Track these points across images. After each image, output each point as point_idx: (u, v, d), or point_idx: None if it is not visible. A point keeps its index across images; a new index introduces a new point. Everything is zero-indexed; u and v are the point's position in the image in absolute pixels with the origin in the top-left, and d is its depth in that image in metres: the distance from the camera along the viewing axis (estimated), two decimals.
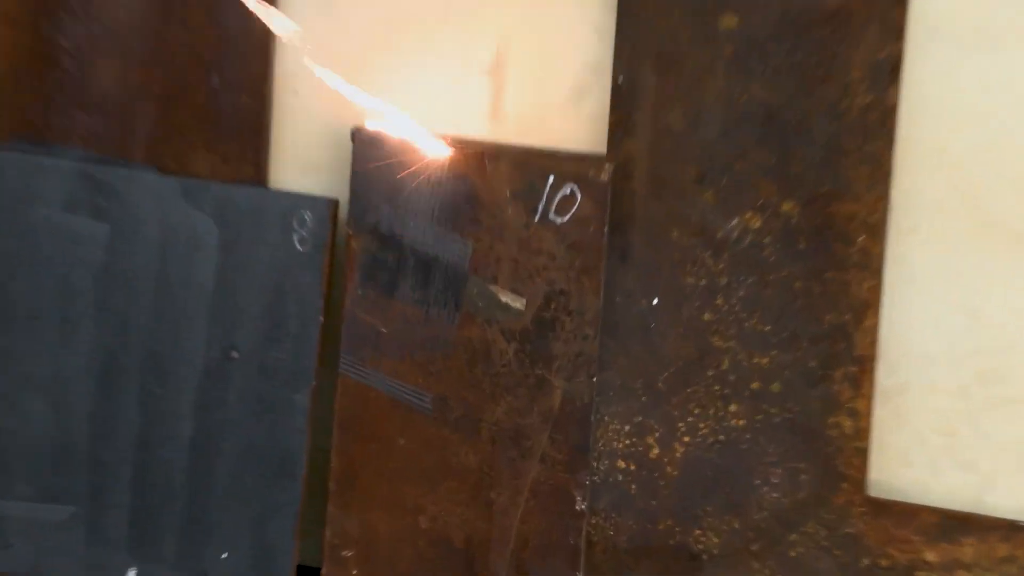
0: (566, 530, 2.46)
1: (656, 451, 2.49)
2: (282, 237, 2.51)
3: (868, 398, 2.37)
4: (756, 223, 2.38)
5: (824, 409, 2.39)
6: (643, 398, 2.47)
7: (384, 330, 2.48)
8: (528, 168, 2.41)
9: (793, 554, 2.43)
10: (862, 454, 2.38)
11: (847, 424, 2.38)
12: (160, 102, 2.52)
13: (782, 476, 2.42)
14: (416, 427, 2.51)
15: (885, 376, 2.40)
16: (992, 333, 2.37)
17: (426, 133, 2.45)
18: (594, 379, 2.43)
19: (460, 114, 2.51)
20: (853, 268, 2.35)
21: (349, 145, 2.51)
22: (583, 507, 2.45)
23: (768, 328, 2.39)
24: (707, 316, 2.42)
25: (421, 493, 2.50)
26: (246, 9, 2.46)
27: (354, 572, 2.55)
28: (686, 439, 2.47)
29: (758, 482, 2.42)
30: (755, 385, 2.42)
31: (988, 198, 2.34)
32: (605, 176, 2.39)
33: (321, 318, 2.52)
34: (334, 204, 2.52)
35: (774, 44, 2.31)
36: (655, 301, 2.44)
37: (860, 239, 2.33)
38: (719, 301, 2.41)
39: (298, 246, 2.50)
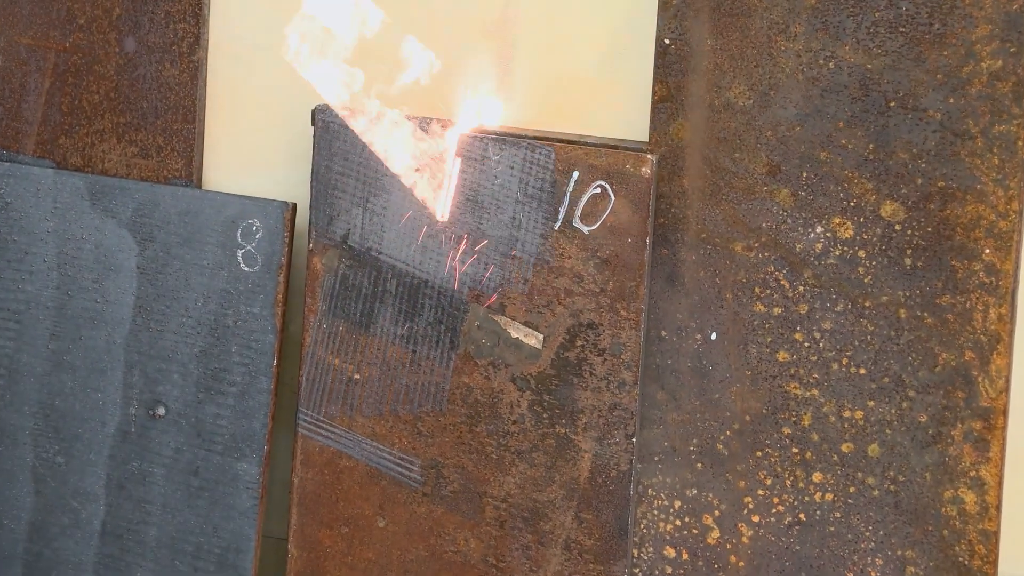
0: None
1: (716, 535, 2.43)
2: (222, 254, 2.45)
3: (997, 464, 2.31)
4: (847, 231, 2.32)
5: (938, 479, 2.33)
6: (698, 465, 2.41)
7: (358, 376, 2.43)
8: (545, 160, 2.35)
9: None
10: (990, 539, 2.32)
11: (969, 499, 2.33)
12: (56, 76, 2.48)
13: (884, 568, 2.36)
14: (400, 505, 2.45)
15: (1021, 434, 2.36)
16: None
17: (411, 115, 2.40)
18: (633, 440, 2.37)
19: (454, 88, 2.47)
20: (977, 291, 2.29)
21: (309, 131, 2.46)
22: None
23: (863, 371, 2.34)
24: (782, 356, 2.36)
25: None
26: None
27: None
28: (755, 519, 2.41)
29: None
30: (846, 447, 2.36)
31: None
32: (647, 170, 2.32)
33: (275, 362, 2.45)
34: (290, 210, 2.46)
35: None
36: (713, 336, 2.38)
37: (986, 252, 2.28)
38: (798, 336, 2.35)
39: (243, 266, 2.45)
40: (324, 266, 2.42)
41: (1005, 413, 2.30)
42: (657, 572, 2.46)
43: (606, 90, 2.44)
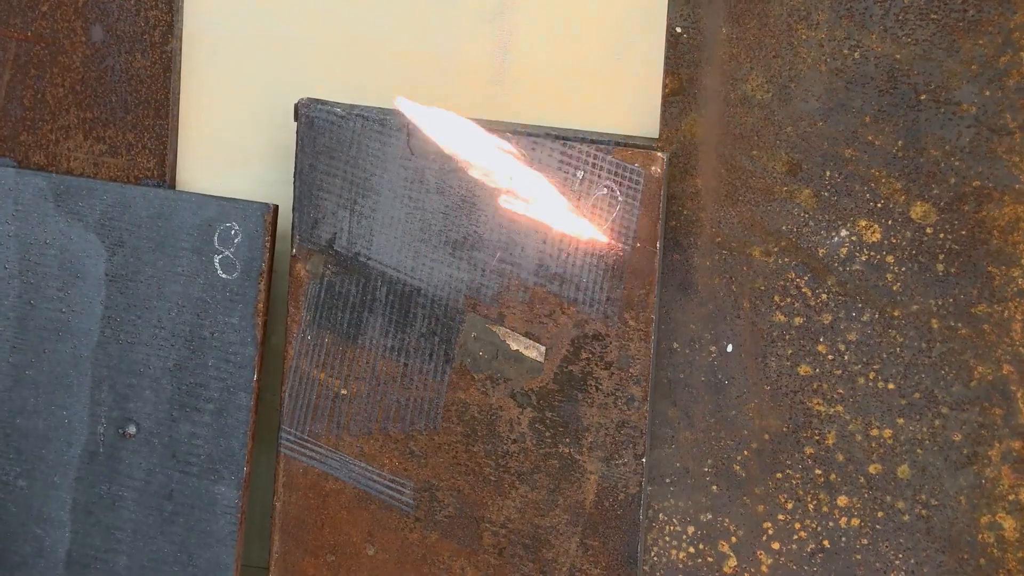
0: None
1: (732, 563, 2.40)
2: (198, 260, 2.43)
3: None
4: (874, 235, 2.29)
5: (974, 503, 2.31)
6: (713, 487, 2.38)
7: (345, 392, 2.40)
8: (547, 157, 2.31)
9: None
10: None
11: (1008, 525, 2.30)
12: (17, 67, 2.48)
13: None
14: (391, 531, 2.42)
15: None
16: None
17: (405, 107, 2.37)
18: (643, 460, 2.34)
19: (453, 78, 2.46)
20: (1015, 299, 2.27)
21: (292, 127, 2.45)
22: None
23: (892, 386, 2.31)
24: (804, 369, 2.34)
25: None
26: None
27: None
28: (775, 546, 2.38)
29: None
30: (874, 468, 2.33)
31: None
32: (657, 169, 2.29)
33: (255, 376, 2.43)
34: (272, 212, 2.43)
35: None
36: (729, 348, 2.36)
37: None
38: (821, 348, 2.33)
39: (221, 272, 2.43)
40: (308, 273, 2.39)
41: None
42: None
43: (612, 82, 2.42)
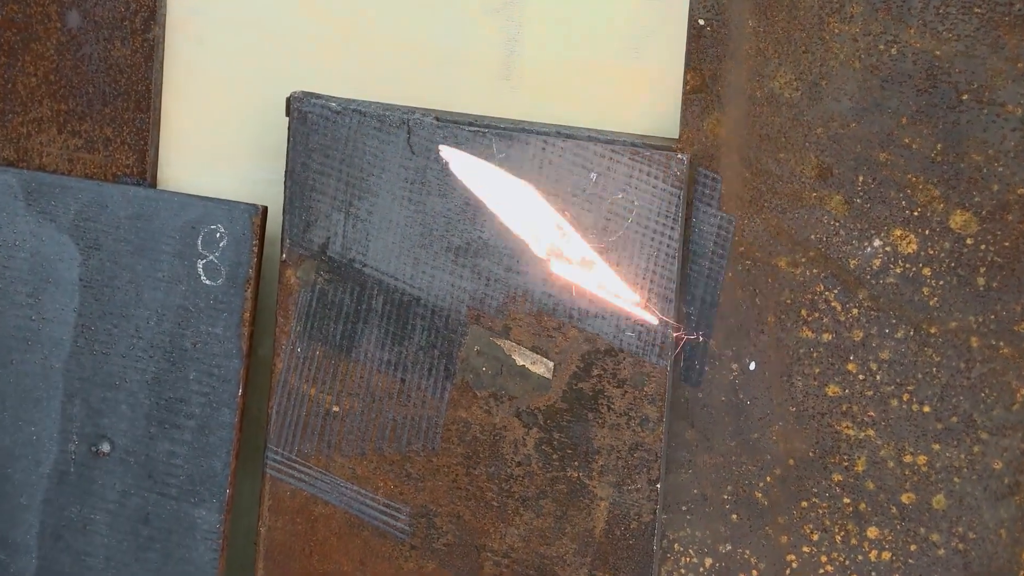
0: None
1: None
2: (180, 265, 2.42)
3: None
4: (910, 246, 2.28)
5: (1016, 537, 2.30)
6: (733, 516, 2.37)
7: (337, 409, 2.39)
8: (559, 158, 2.31)
9: None
10: None
11: None
12: None
13: None
14: (385, 560, 2.41)
15: None
16: None
17: (404, 104, 2.37)
18: (658, 486, 2.33)
19: (457, 73, 2.46)
20: None
21: (283, 122, 2.43)
22: None
23: (927, 409, 2.30)
24: (832, 390, 2.32)
25: None
26: None
27: None
28: None
29: None
30: (907, 498, 2.32)
31: None
32: (678, 172, 2.28)
33: (240, 391, 2.42)
34: (260, 214, 2.42)
35: None
36: (752, 366, 2.35)
37: None
38: (851, 367, 2.31)
39: (205, 279, 2.42)
40: (299, 280, 2.38)
41: None
42: None
43: (629, 78, 2.42)
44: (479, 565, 2.37)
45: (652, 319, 2.28)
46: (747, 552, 2.37)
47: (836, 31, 2.26)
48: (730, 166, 2.32)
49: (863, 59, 2.26)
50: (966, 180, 2.24)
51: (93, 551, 2.46)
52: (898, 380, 2.29)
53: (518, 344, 2.33)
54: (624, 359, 2.30)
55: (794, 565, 2.35)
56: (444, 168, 2.31)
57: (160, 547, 2.45)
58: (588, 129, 2.36)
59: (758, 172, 2.31)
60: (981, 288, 2.25)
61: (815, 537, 2.34)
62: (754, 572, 2.37)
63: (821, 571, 2.34)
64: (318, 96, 2.36)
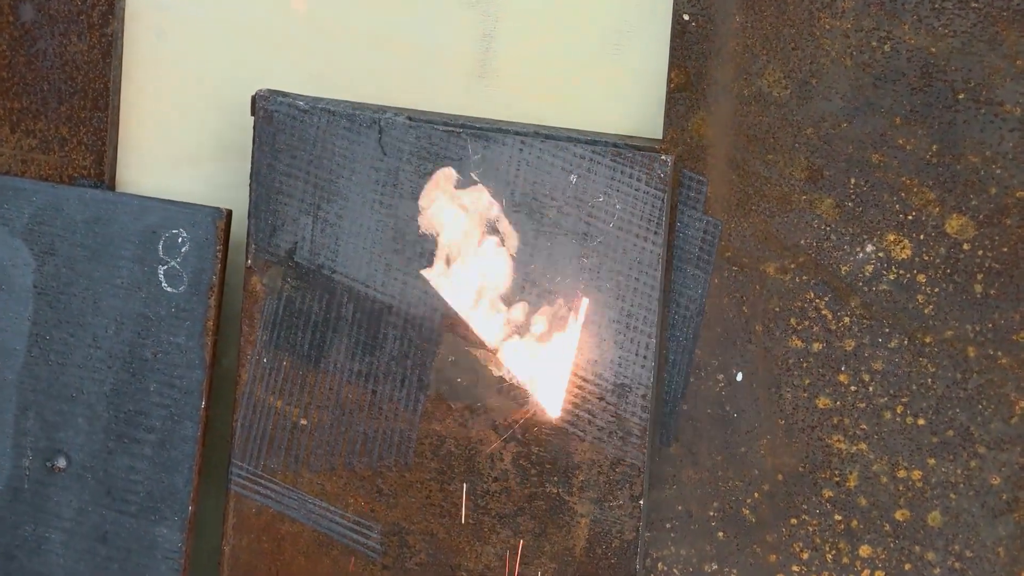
0: None
1: None
2: (140, 271, 2.41)
3: None
4: (904, 251, 2.27)
5: (1014, 556, 2.30)
6: (720, 534, 2.36)
7: (305, 422, 2.38)
8: (537, 160, 2.30)
9: None
10: None
11: None
12: None
13: None
14: None
15: None
16: None
17: (375, 103, 2.37)
18: (641, 502, 2.32)
19: (430, 70, 2.45)
20: None
21: (248, 122, 2.42)
22: None
23: (922, 422, 2.29)
24: (823, 402, 2.31)
25: None
26: None
27: None
28: None
29: None
30: (901, 515, 2.31)
31: None
32: (661, 172, 2.27)
33: (203, 403, 2.42)
34: (224, 218, 2.41)
35: None
36: (739, 377, 2.34)
37: None
38: (843, 378, 2.31)
39: (166, 286, 2.41)
40: (265, 287, 2.38)
41: None
42: None
43: (611, 76, 2.41)
44: None
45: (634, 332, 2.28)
46: (734, 571, 2.37)
47: (827, 27, 2.26)
48: (716, 168, 2.32)
49: (855, 56, 2.25)
50: (963, 183, 2.24)
51: (48, 571, 2.46)
52: (892, 392, 2.29)
53: (494, 354, 2.33)
54: (606, 369, 2.31)
55: None
56: (417, 170, 2.32)
57: (119, 567, 2.45)
58: (568, 129, 2.36)
59: (745, 174, 2.31)
60: (978, 296, 2.25)
61: (805, 556, 2.34)
62: None
63: None
64: (285, 94, 2.35)
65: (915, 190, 2.25)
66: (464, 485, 2.35)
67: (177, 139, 2.53)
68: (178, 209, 2.40)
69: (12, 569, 2.46)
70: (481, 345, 2.33)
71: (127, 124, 2.52)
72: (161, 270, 2.41)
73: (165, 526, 2.42)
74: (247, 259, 2.37)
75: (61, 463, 2.44)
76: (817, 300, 2.29)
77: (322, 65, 2.45)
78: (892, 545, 2.30)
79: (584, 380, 2.31)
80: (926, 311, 2.26)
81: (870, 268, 2.27)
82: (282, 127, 2.33)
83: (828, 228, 2.27)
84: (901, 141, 2.24)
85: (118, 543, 2.43)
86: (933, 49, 2.22)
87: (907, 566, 2.30)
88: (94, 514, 2.44)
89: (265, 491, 2.39)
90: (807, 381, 2.31)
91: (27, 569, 2.46)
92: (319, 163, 2.33)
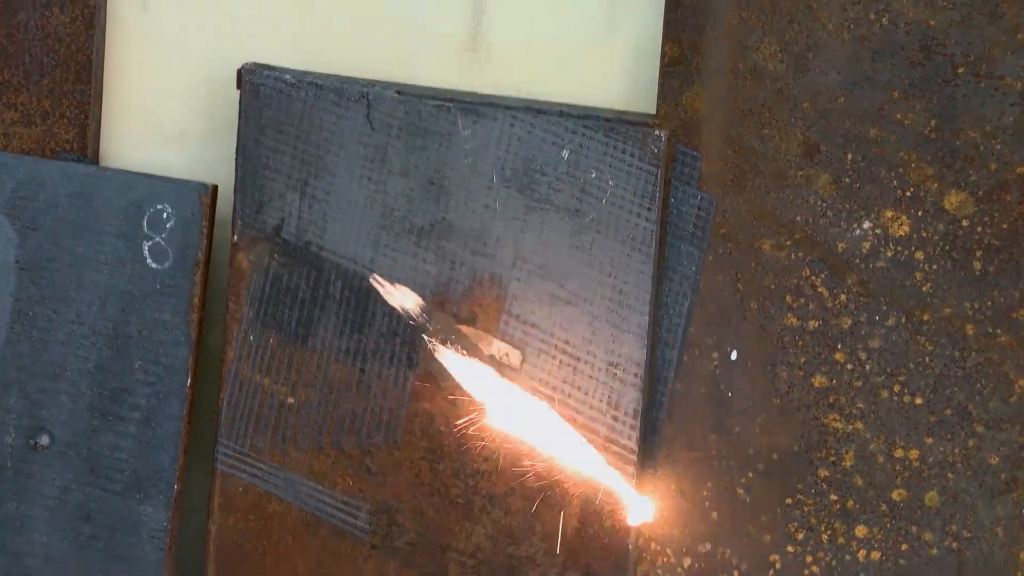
0: None
1: None
2: (124, 247, 2.41)
3: None
4: (901, 228, 2.27)
5: (1013, 536, 2.30)
6: (713, 514, 2.36)
7: (292, 400, 2.38)
8: (528, 135, 2.29)
9: None
10: None
11: None
12: None
13: None
14: (344, 560, 2.40)
15: None
16: None
17: (364, 77, 2.36)
18: (634, 481, 2.32)
19: (420, 43, 2.45)
20: None
21: (234, 96, 2.41)
22: None
23: (919, 401, 2.29)
24: (819, 380, 2.32)
25: None
26: None
27: None
28: None
29: None
30: (898, 495, 2.32)
31: None
32: (655, 148, 2.26)
33: (189, 381, 2.42)
34: (210, 193, 2.41)
35: None
36: (733, 355, 2.34)
37: None
38: (839, 356, 2.31)
39: (151, 262, 2.41)
40: (252, 263, 2.38)
41: None
42: None
43: (604, 49, 2.41)
44: (443, 566, 2.38)
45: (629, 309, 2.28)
46: (728, 552, 2.37)
47: None
48: (711, 143, 2.32)
49: (852, 29, 2.25)
50: (962, 158, 2.24)
51: (31, 550, 2.47)
52: (889, 370, 2.30)
53: (485, 332, 2.34)
54: (598, 347, 2.31)
55: (777, 565, 2.36)
56: (406, 145, 2.32)
57: (103, 546, 2.45)
58: (560, 104, 2.36)
59: (740, 149, 2.31)
60: (977, 273, 2.25)
61: (800, 536, 2.35)
62: (735, 573, 2.38)
63: (806, 571, 2.35)
64: (271, 68, 2.35)
65: (913, 166, 2.25)
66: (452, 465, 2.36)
67: (162, 113, 2.53)
68: (163, 184, 2.40)
69: None
70: (471, 323, 2.33)
71: (111, 97, 2.52)
72: (146, 246, 2.41)
73: (150, 505, 2.43)
74: (233, 235, 2.37)
75: (44, 441, 2.45)
76: (813, 277, 2.29)
77: (310, 38, 2.44)
78: (889, 525, 2.31)
79: (576, 358, 2.31)
80: (924, 288, 2.26)
81: (867, 245, 2.27)
82: (269, 101, 2.33)
83: (824, 204, 2.27)
84: (899, 116, 2.24)
85: (102, 522, 2.44)
86: (932, 22, 2.22)
87: (904, 546, 2.31)
88: (78, 492, 2.44)
89: (252, 470, 2.40)
90: (803, 359, 2.31)
91: (9, 548, 2.47)
92: (306, 138, 2.33)
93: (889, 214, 2.26)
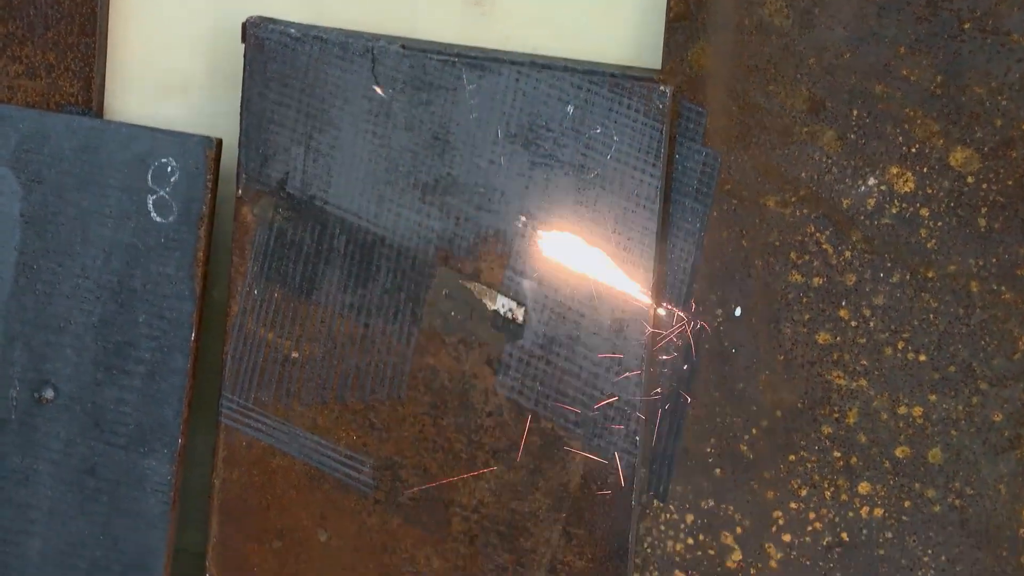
0: None
1: (737, 557, 2.39)
2: (129, 200, 2.40)
3: None
4: (907, 184, 2.26)
5: (1015, 493, 2.30)
6: (717, 471, 2.36)
7: (296, 355, 2.38)
8: (533, 90, 2.28)
9: None
10: None
11: None
12: None
13: None
14: (347, 515, 2.40)
15: None
16: None
17: (368, 32, 2.34)
18: (637, 438, 2.31)
19: (425, 0, 2.44)
20: None
21: (239, 49, 2.39)
22: None
23: (923, 358, 2.29)
24: (823, 337, 2.31)
25: None
26: None
27: None
28: (786, 538, 2.36)
29: None
30: (901, 452, 2.31)
31: None
32: (660, 103, 2.25)
33: (193, 335, 2.41)
34: (214, 147, 2.40)
35: None
36: (737, 312, 2.34)
37: None
38: (843, 313, 2.30)
39: (155, 215, 2.40)
40: (256, 217, 2.37)
41: None
42: None
43: (609, 4, 2.40)
44: (447, 521, 2.37)
45: (630, 264, 2.27)
46: (731, 508, 2.37)
47: None
48: (716, 99, 2.31)
49: None
50: (967, 114, 2.22)
51: (36, 503, 2.47)
52: (893, 327, 2.29)
53: (489, 287, 2.32)
54: (603, 302, 2.30)
55: (780, 522, 2.35)
56: (411, 100, 2.31)
57: (107, 499, 2.45)
58: (565, 59, 2.34)
59: (746, 105, 2.29)
60: (982, 229, 2.24)
61: (803, 492, 2.34)
62: (738, 529, 2.37)
63: (809, 528, 2.34)
64: (276, 21, 2.33)
65: (919, 122, 2.24)
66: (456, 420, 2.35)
67: (166, 66, 2.52)
68: (167, 138, 2.39)
69: (0, 500, 2.47)
70: (476, 278, 2.32)
71: (115, 50, 2.50)
72: (150, 200, 2.40)
73: (154, 458, 2.43)
74: (237, 189, 2.36)
75: (49, 394, 2.44)
76: (818, 234, 2.29)
77: None
78: (892, 482, 2.31)
79: (580, 315, 2.30)
80: (929, 245, 2.26)
81: (872, 201, 2.26)
82: (273, 55, 2.32)
83: (830, 161, 2.27)
84: (905, 72, 2.23)
85: (107, 475, 2.44)
86: None
87: (906, 503, 2.31)
88: (82, 446, 2.44)
89: (256, 424, 2.39)
90: (807, 316, 2.30)
91: (14, 500, 2.47)
92: (311, 92, 2.32)
93: (894, 170, 2.25)
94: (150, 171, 2.40)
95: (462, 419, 2.35)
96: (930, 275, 2.26)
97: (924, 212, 2.25)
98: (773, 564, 2.37)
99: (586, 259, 2.29)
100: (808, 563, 2.35)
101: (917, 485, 2.31)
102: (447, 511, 2.37)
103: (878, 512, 2.32)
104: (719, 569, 2.38)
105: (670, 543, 2.39)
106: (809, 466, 2.33)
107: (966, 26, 2.20)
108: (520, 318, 2.32)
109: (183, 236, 2.40)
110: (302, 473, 2.39)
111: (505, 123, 2.28)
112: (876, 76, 2.24)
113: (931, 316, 2.27)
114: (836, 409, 2.31)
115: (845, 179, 2.27)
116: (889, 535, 2.32)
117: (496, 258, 2.31)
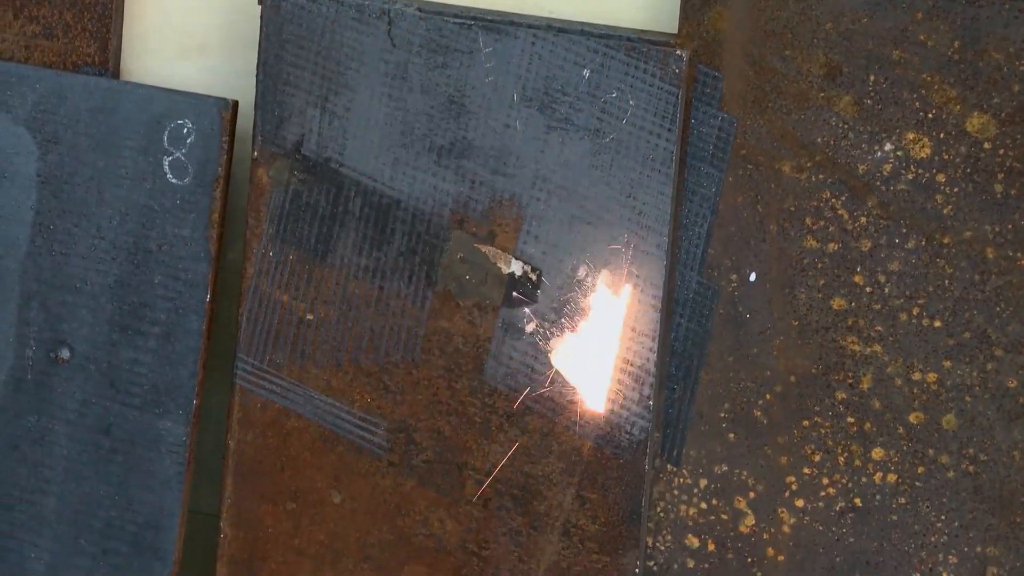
0: None
1: (750, 521, 2.38)
2: (145, 162, 2.39)
3: None
4: (923, 150, 2.25)
5: None
6: (730, 435, 2.36)
7: (311, 317, 2.38)
8: (549, 54, 2.27)
9: None
10: None
11: None
12: None
13: (958, 568, 2.32)
14: (361, 477, 2.40)
15: None
16: None
17: None
18: (651, 402, 2.31)
19: None
20: None
21: (256, 10, 2.41)
22: None
23: (938, 324, 2.28)
24: (838, 303, 2.31)
25: None
26: None
27: None
28: (799, 503, 2.36)
29: None
30: (915, 417, 2.31)
31: None
32: (676, 68, 2.24)
33: (208, 296, 2.41)
34: (230, 109, 2.39)
35: None
36: (752, 277, 2.33)
37: None
38: (858, 278, 2.30)
39: (171, 177, 2.40)
40: (271, 179, 2.36)
41: None
42: (676, 566, 2.42)
43: None
44: (461, 484, 2.36)
45: (647, 228, 2.26)
46: (744, 473, 2.36)
47: None
48: (732, 63, 2.29)
49: None
50: (985, 80, 2.21)
51: (51, 462, 2.47)
52: (908, 293, 2.28)
53: (504, 251, 2.31)
54: (616, 269, 2.29)
55: (794, 487, 2.35)
56: (427, 63, 2.29)
57: (122, 459, 2.45)
58: (581, 23, 2.32)
59: (762, 70, 2.28)
60: (999, 196, 2.23)
61: (816, 458, 2.34)
62: (751, 494, 2.37)
63: (822, 493, 2.34)
64: None
65: (936, 87, 2.22)
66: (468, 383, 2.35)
67: (183, 28, 2.51)
68: (183, 99, 2.39)
69: (15, 459, 2.47)
70: (490, 242, 2.31)
71: (132, 11, 2.49)
72: (166, 161, 2.39)
73: (169, 419, 2.42)
74: (253, 151, 2.36)
75: (64, 354, 2.44)
76: (833, 199, 2.28)
77: None
78: (905, 448, 2.30)
79: (594, 279, 2.30)
80: (945, 211, 2.25)
81: (888, 167, 2.25)
82: (290, 17, 2.31)
83: (846, 126, 2.26)
84: (922, 37, 2.21)
85: (122, 436, 2.44)
86: None
87: (920, 469, 2.30)
88: (98, 406, 2.44)
89: (271, 386, 2.39)
90: (822, 281, 2.30)
91: (30, 459, 2.47)
92: (327, 54, 2.31)
93: (911, 136, 2.24)
94: (166, 132, 2.39)
95: (476, 383, 2.34)
96: (946, 241, 2.25)
97: (940, 178, 2.24)
98: (786, 529, 2.35)
99: (600, 224, 2.27)
100: (821, 528, 2.34)
101: (931, 451, 2.30)
102: (461, 474, 2.36)
103: (891, 478, 2.32)
104: (732, 534, 2.38)
105: (683, 507, 2.39)
106: (823, 431, 2.33)
107: None
108: (534, 282, 2.31)
109: (198, 198, 2.39)
110: (316, 435, 2.39)
111: (521, 87, 2.27)
112: (893, 41, 2.23)
113: (946, 282, 2.26)
114: (850, 375, 2.30)
115: (861, 144, 2.26)
116: (902, 501, 2.31)
117: (511, 222, 2.30)
